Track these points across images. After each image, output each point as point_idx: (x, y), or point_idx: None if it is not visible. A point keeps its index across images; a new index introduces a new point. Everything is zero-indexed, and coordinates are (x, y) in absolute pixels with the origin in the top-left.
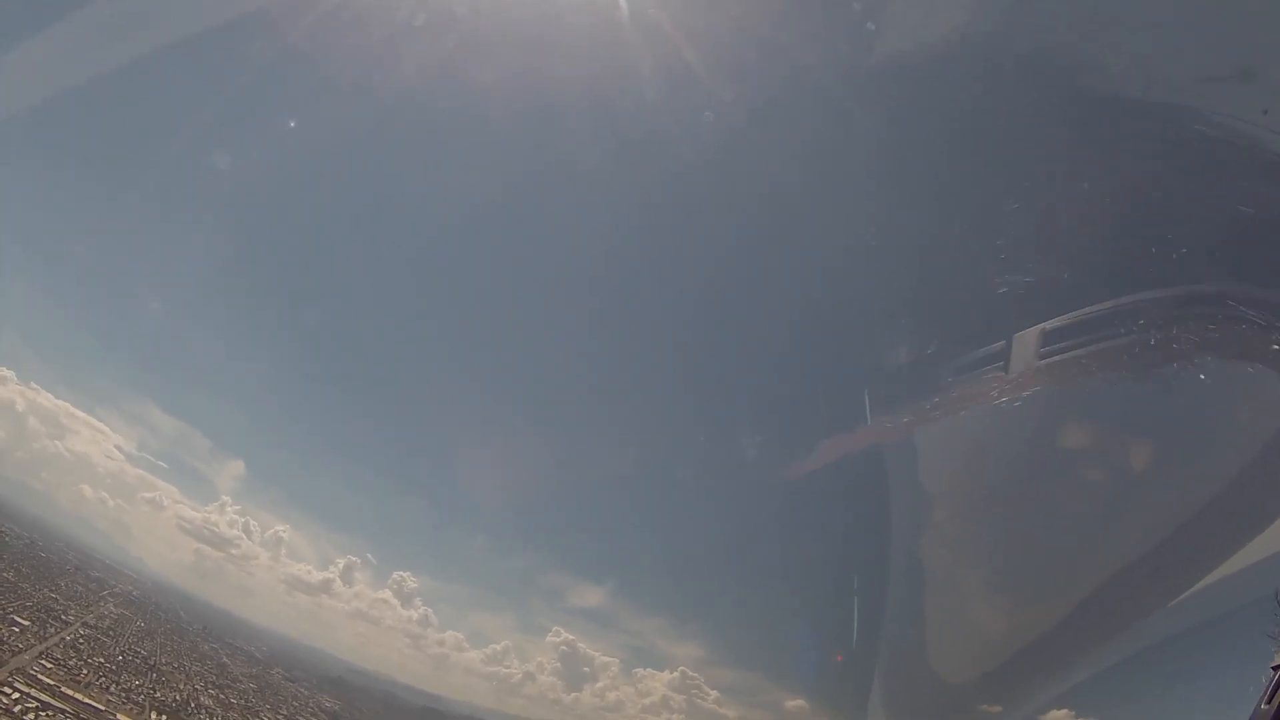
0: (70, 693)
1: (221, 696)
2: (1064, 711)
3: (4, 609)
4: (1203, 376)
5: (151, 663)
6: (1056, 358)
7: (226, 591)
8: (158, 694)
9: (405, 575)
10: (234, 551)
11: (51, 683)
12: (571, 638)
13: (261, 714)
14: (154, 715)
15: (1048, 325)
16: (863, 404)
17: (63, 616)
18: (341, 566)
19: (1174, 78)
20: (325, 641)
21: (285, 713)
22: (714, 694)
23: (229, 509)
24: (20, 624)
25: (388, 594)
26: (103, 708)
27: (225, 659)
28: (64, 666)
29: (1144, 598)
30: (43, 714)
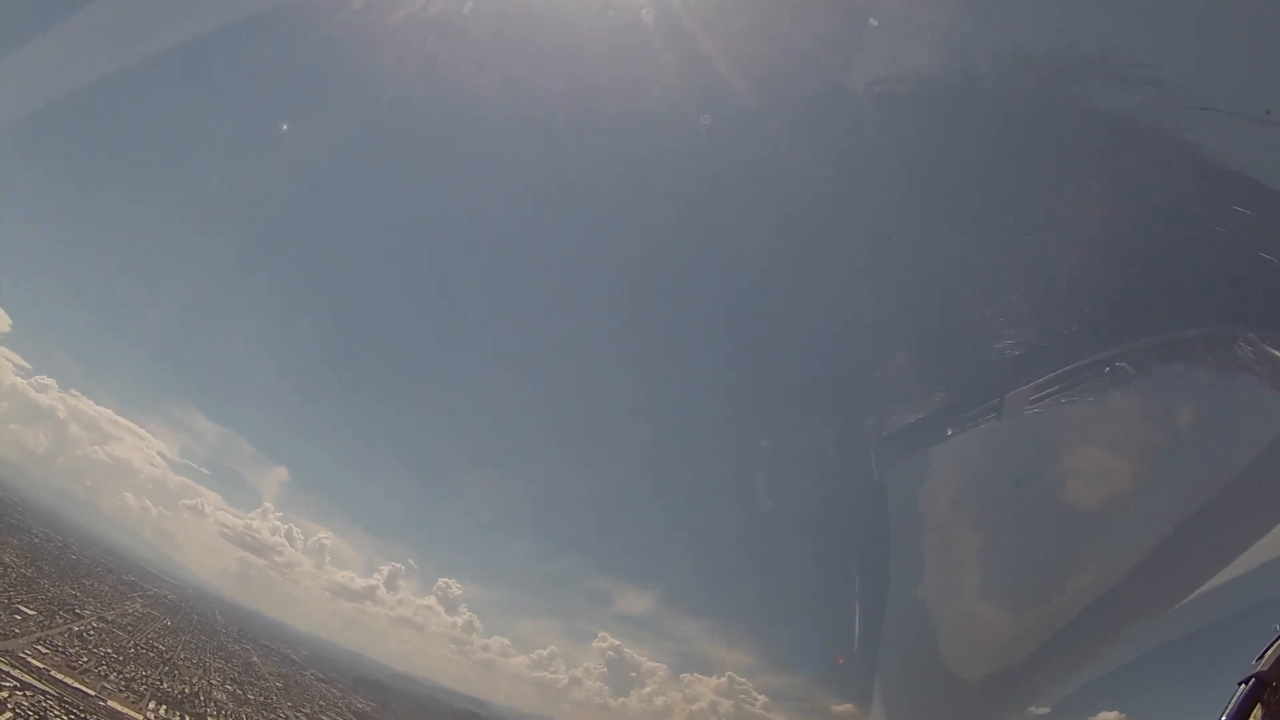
0: (60, 676)
1: (238, 692)
2: (1114, 714)
3: (11, 599)
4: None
5: (167, 657)
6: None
7: (271, 599)
8: (164, 685)
9: (450, 582)
10: (277, 559)
11: (41, 666)
12: (618, 643)
13: (280, 710)
14: (153, 705)
15: (1039, 382)
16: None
17: (76, 610)
18: (385, 573)
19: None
20: (368, 647)
21: (308, 711)
22: (762, 699)
23: (271, 515)
24: (25, 613)
25: (432, 600)
26: (93, 693)
27: (255, 659)
28: (61, 653)
29: (1149, 599)
30: (19, 693)
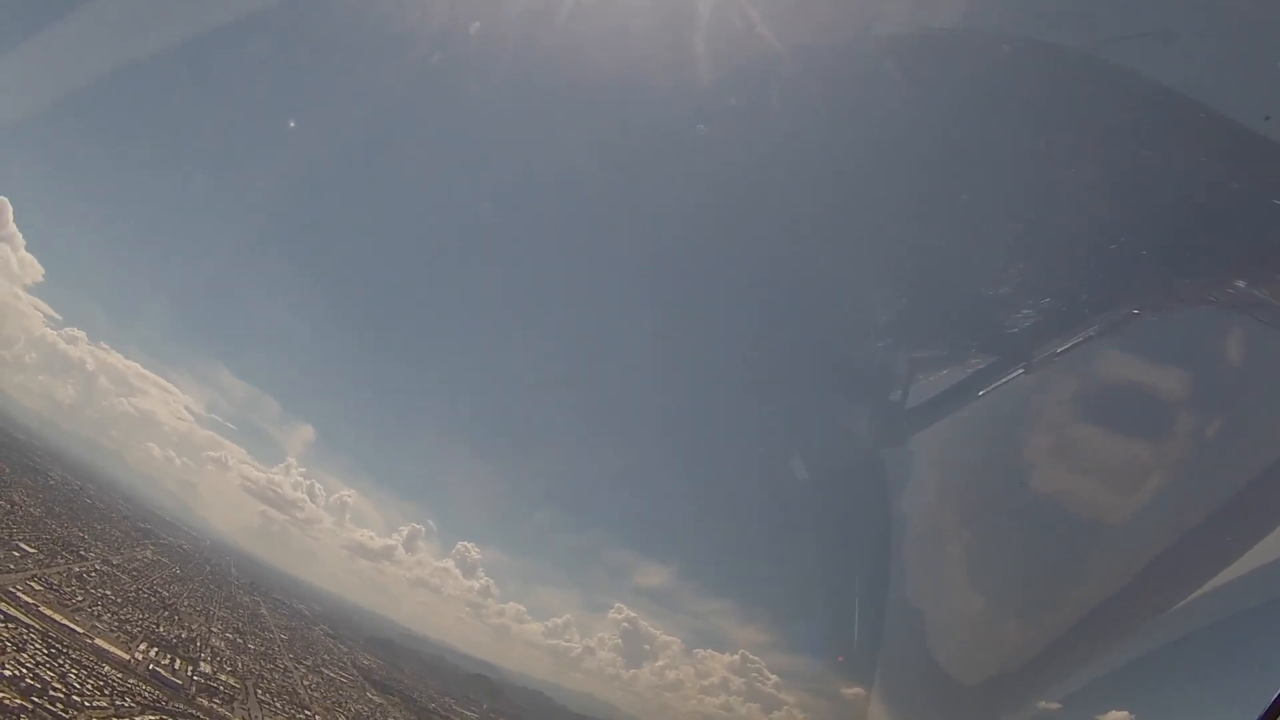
0: (49, 613)
1: (238, 641)
2: (1124, 714)
3: (12, 536)
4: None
5: (170, 603)
6: (1071, 348)
7: (290, 555)
8: (160, 629)
9: (469, 546)
10: (298, 514)
11: (31, 602)
12: (634, 615)
13: (280, 661)
14: (144, 646)
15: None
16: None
17: (81, 552)
18: (405, 534)
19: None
20: (384, 607)
21: (310, 664)
22: (774, 679)
23: (294, 471)
24: (25, 550)
25: (450, 563)
26: (80, 630)
27: (263, 611)
28: (56, 591)
29: (1148, 601)
30: (1, 624)
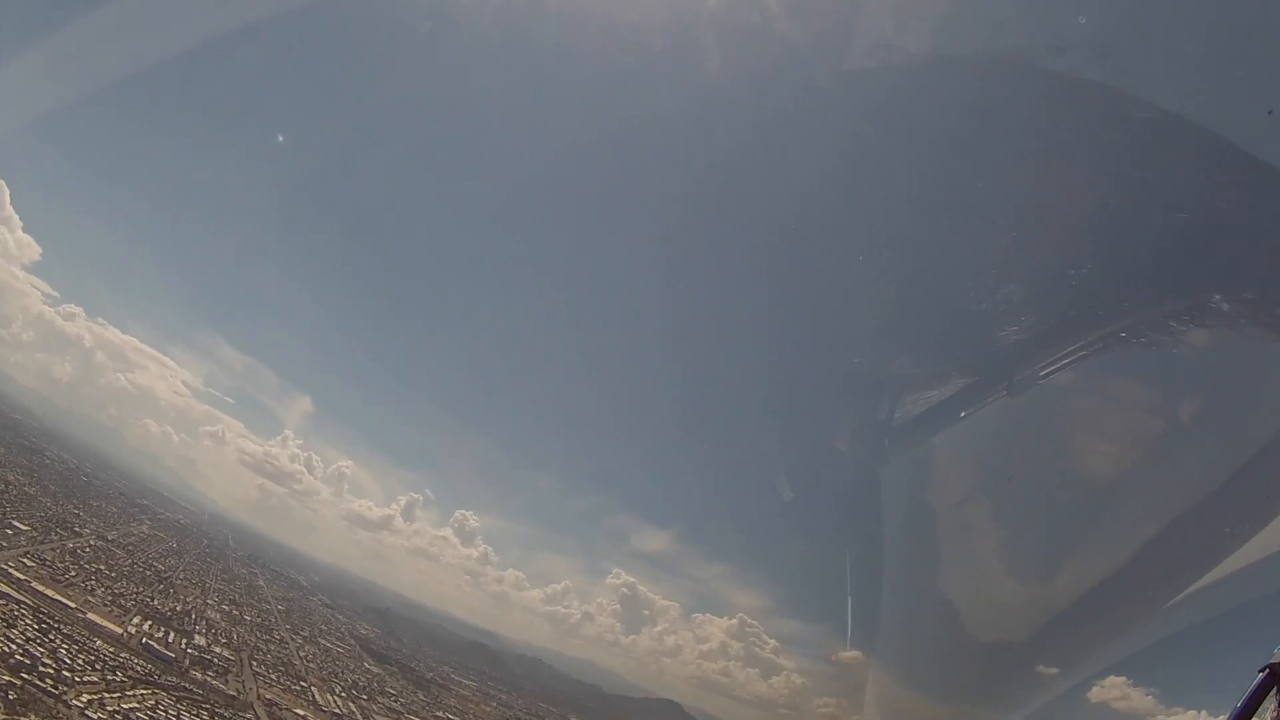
0: (41, 588)
1: (234, 612)
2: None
3: (5, 514)
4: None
5: (165, 576)
6: (1056, 369)
7: (290, 527)
8: (155, 602)
9: (467, 514)
10: (295, 486)
11: (22, 578)
12: (632, 580)
13: (277, 632)
14: (138, 620)
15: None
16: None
17: (75, 528)
18: (403, 503)
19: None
20: (383, 576)
21: (306, 634)
22: (772, 643)
23: (291, 443)
24: (18, 528)
25: (448, 532)
26: (72, 605)
27: (261, 583)
28: (48, 566)
29: (1143, 594)
30: None
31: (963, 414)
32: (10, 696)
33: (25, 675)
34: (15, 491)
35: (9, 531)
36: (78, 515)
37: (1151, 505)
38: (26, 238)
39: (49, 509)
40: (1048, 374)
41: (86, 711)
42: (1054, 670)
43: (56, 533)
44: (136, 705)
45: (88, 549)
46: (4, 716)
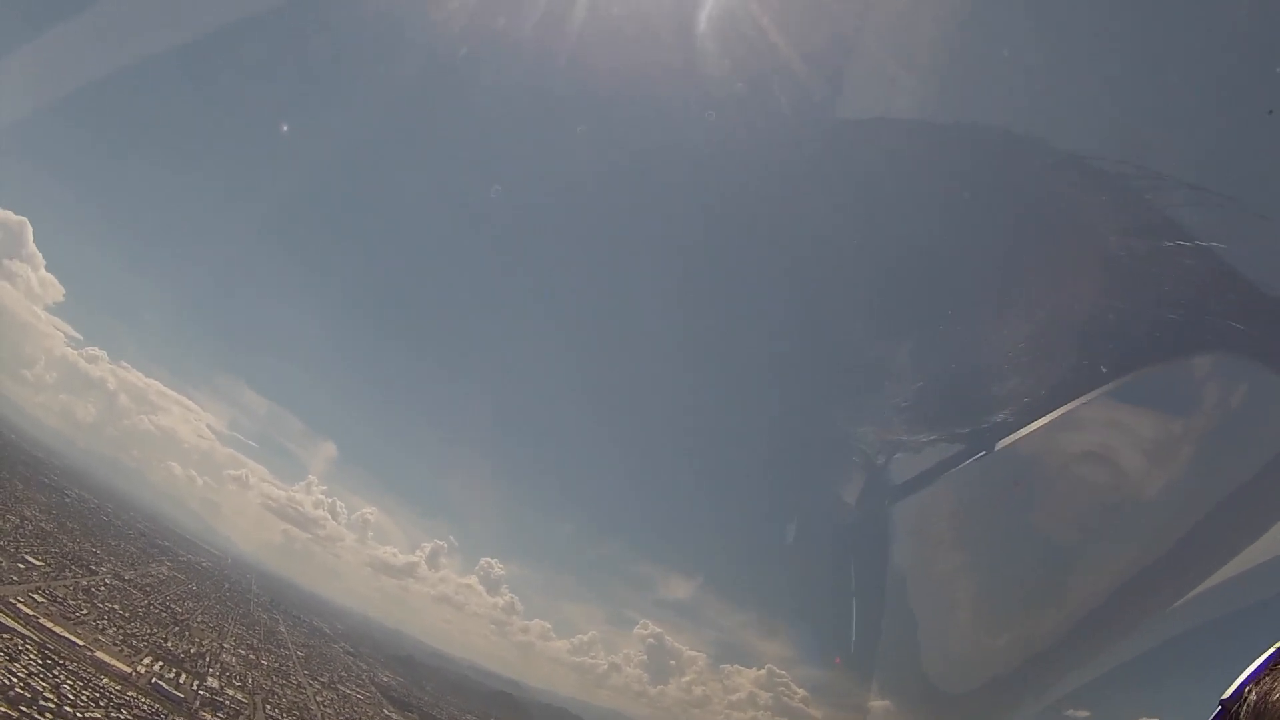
0: (49, 625)
1: (250, 657)
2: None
3: (19, 549)
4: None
5: (181, 618)
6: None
7: (313, 572)
8: (169, 644)
9: (493, 561)
10: (319, 532)
11: (30, 613)
12: (659, 630)
13: (294, 677)
14: (149, 660)
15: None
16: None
17: (91, 566)
18: (428, 550)
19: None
20: (408, 624)
21: (325, 680)
22: (801, 692)
23: (315, 489)
24: (31, 563)
25: (474, 580)
26: (81, 643)
27: (281, 628)
28: (59, 604)
29: (1140, 603)
30: None
31: (965, 462)
32: None
33: (24, 709)
34: (31, 527)
35: (21, 566)
36: (95, 553)
37: (1165, 518)
38: (50, 277)
39: (65, 546)
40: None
41: None
42: (1085, 714)
43: (71, 570)
44: None
45: (102, 587)
46: None
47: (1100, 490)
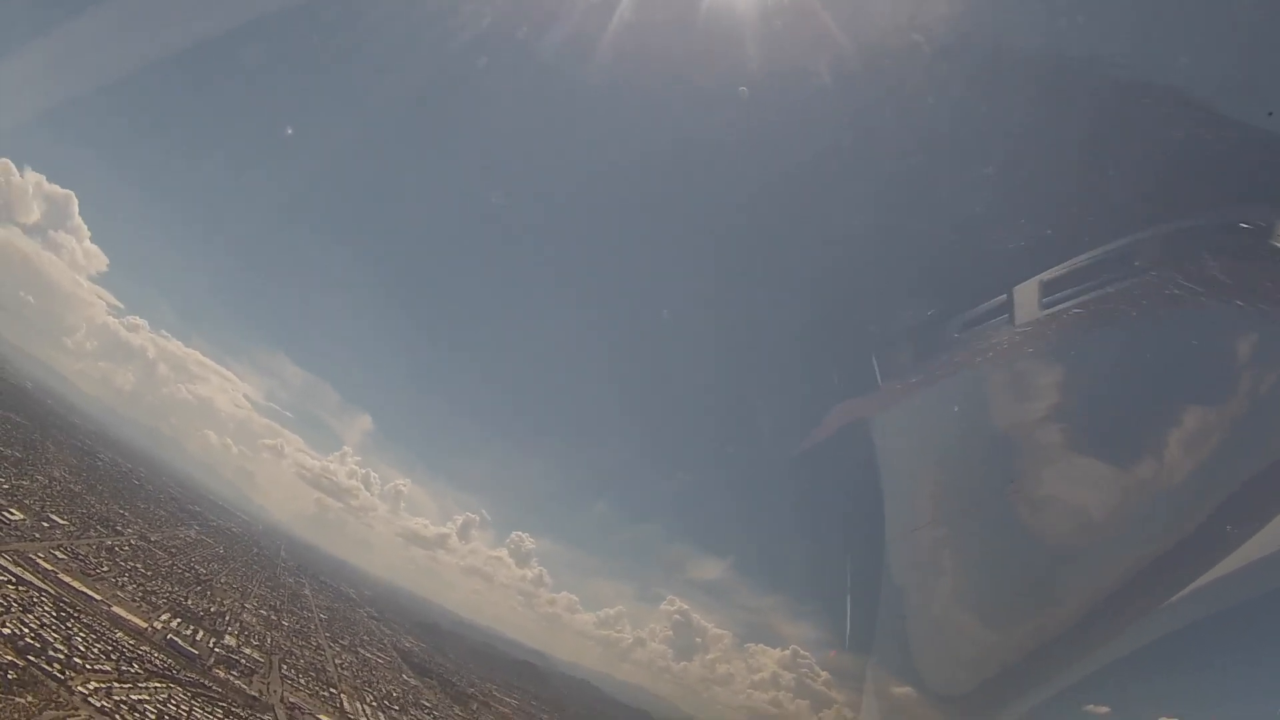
0: (68, 580)
1: (271, 617)
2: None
3: (44, 508)
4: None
5: (205, 579)
6: (1058, 307)
7: (345, 542)
8: (189, 602)
9: (523, 535)
10: (352, 502)
11: (49, 568)
12: (686, 607)
13: (314, 639)
14: (166, 617)
15: (1045, 276)
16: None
17: (117, 527)
18: (459, 523)
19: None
20: (436, 594)
21: (346, 643)
22: (824, 675)
23: (349, 459)
24: (55, 522)
25: (503, 552)
26: (98, 597)
27: (307, 592)
28: (80, 561)
29: (1137, 599)
30: (10, 586)
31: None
32: (9, 676)
33: (32, 658)
34: (60, 488)
35: (45, 524)
36: (122, 515)
37: (1150, 535)
38: (94, 248)
39: (92, 507)
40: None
41: (90, 699)
42: (1105, 709)
43: (96, 529)
44: (146, 697)
45: (126, 547)
46: None
47: (1133, 473)
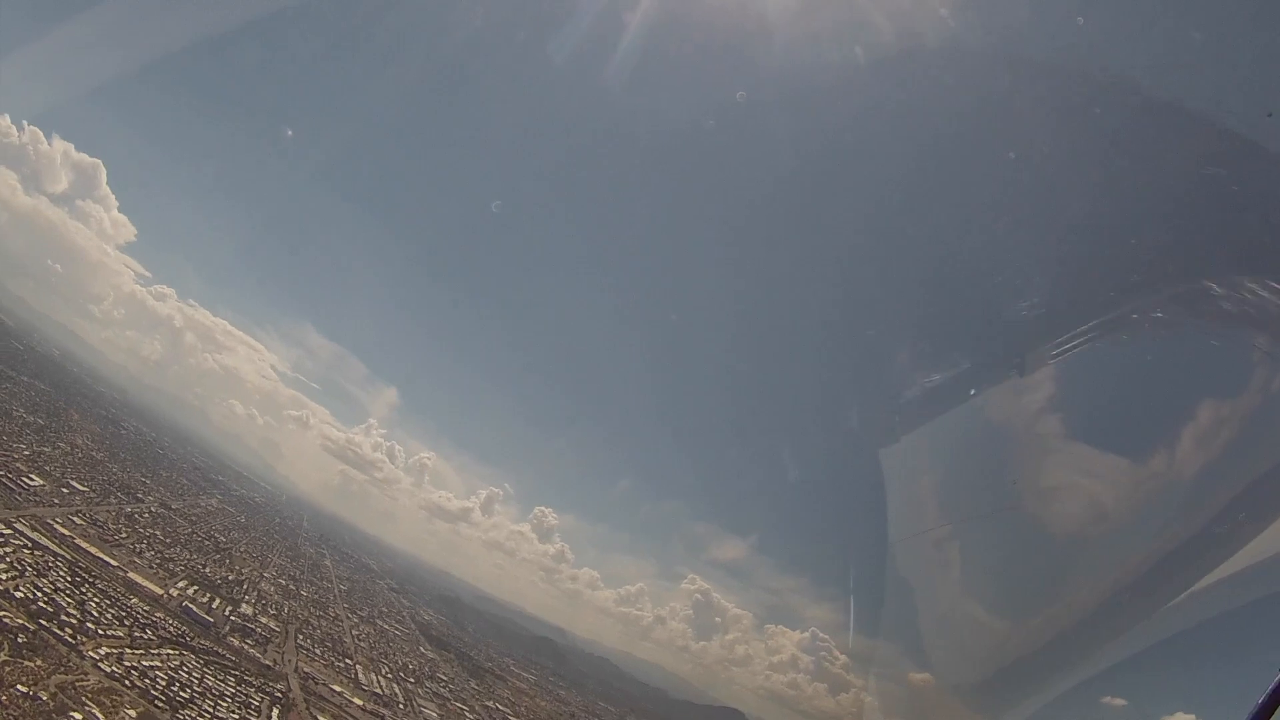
0: (85, 545)
1: (289, 587)
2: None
3: (65, 474)
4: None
5: (224, 547)
6: (1067, 352)
7: (369, 514)
8: (206, 570)
9: (546, 510)
10: (376, 474)
11: (66, 533)
12: (707, 586)
13: (332, 609)
14: (183, 584)
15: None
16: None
17: (138, 495)
18: (483, 497)
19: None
20: (457, 567)
21: (364, 613)
22: (842, 659)
23: (374, 432)
24: (75, 488)
25: (526, 528)
26: (114, 563)
27: (328, 562)
28: (98, 526)
29: (1143, 599)
30: (26, 550)
31: (973, 392)
32: (20, 640)
33: (44, 622)
34: (81, 455)
35: (64, 490)
36: (144, 483)
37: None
38: (122, 218)
39: (114, 474)
40: (1059, 355)
41: (101, 664)
42: (1121, 702)
43: (116, 496)
44: (158, 664)
45: (146, 515)
46: (5, 658)
47: (1147, 465)
